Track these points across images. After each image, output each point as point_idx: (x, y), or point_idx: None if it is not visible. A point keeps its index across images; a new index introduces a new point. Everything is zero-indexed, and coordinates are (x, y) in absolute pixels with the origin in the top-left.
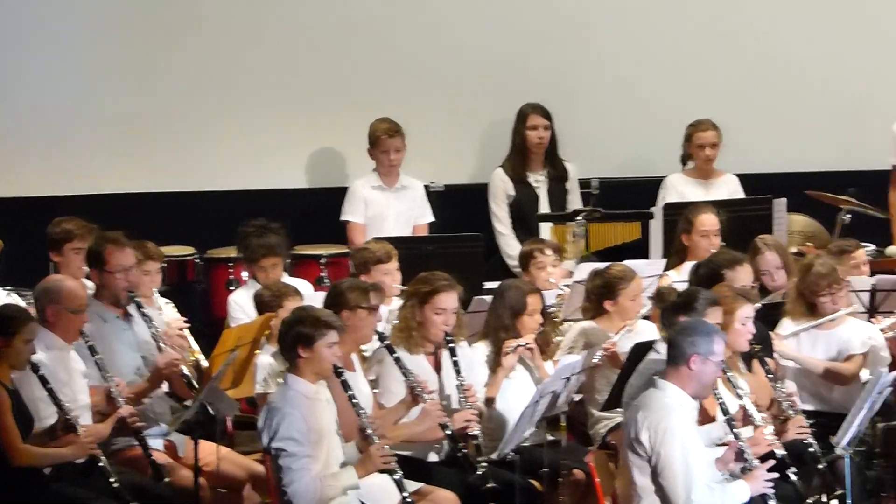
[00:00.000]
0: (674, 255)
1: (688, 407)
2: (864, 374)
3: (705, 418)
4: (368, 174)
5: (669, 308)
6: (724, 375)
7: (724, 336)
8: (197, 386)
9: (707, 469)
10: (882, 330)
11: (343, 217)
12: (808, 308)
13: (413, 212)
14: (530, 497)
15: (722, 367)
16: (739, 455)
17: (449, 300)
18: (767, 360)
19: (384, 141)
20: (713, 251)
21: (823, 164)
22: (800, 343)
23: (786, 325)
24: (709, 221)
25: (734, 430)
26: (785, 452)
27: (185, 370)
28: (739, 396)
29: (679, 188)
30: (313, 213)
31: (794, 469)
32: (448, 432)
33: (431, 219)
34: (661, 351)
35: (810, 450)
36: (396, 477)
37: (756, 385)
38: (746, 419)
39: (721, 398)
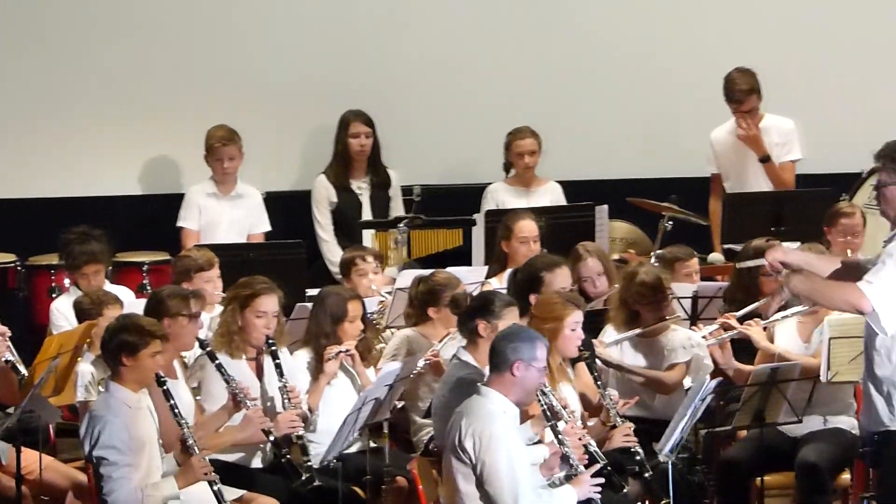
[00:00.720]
0: (495, 262)
1: (511, 414)
2: (687, 382)
3: (524, 417)
4: (205, 181)
5: (466, 313)
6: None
7: (546, 342)
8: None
9: (532, 474)
10: (704, 337)
11: (178, 223)
12: (631, 316)
13: (248, 220)
14: None
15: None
16: (565, 459)
17: (269, 303)
18: (594, 366)
19: (218, 149)
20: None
21: (645, 171)
22: (623, 351)
23: (609, 333)
24: (527, 228)
25: (559, 436)
26: (597, 451)
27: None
28: (544, 394)
29: (500, 197)
30: (147, 220)
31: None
32: (271, 438)
33: (267, 228)
34: (464, 358)
35: (637, 458)
36: (216, 487)
37: (583, 390)
38: (556, 416)
39: (544, 404)
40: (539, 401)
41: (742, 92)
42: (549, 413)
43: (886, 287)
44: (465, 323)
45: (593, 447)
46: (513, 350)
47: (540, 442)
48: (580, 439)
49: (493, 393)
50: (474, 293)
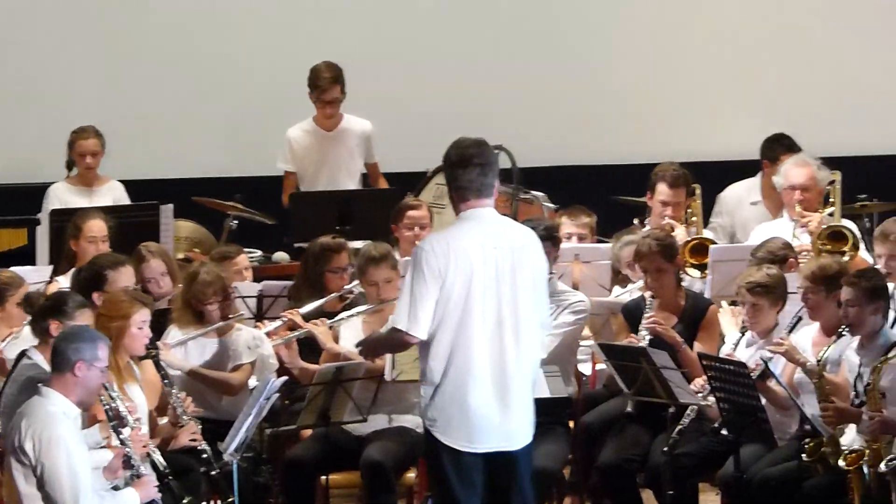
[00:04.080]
0: (63, 261)
1: (72, 415)
2: (253, 381)
3: (92, 421)
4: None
5: (39, 312)
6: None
7: (108, 342)
8: None
9: (95, 476)
10: (269, 336)
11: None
12: (195, 316)
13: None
14: None
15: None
16: (127, 462)
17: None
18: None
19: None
20: None
21: (212, 170)
22: (188, 352)
23: (173, 334)
24: (96, 227)
25: (121, 438)
26: (160, 460)
27: None
28: (111, 398)
29: (62, 196)
30: None
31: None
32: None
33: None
34: (35, 358)
35: (203, 456)
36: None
37: (150, 389)
38: (121, 420)
39: (107, 404)
40: (104, 404)
41: (327, 80)
42: (112, 416)
43: (404, 305)
44: (37, 322)
45: (156, 456)
46: (74, 350)
47: (106, 447)
48: (144, 446)
49: (54, 394)
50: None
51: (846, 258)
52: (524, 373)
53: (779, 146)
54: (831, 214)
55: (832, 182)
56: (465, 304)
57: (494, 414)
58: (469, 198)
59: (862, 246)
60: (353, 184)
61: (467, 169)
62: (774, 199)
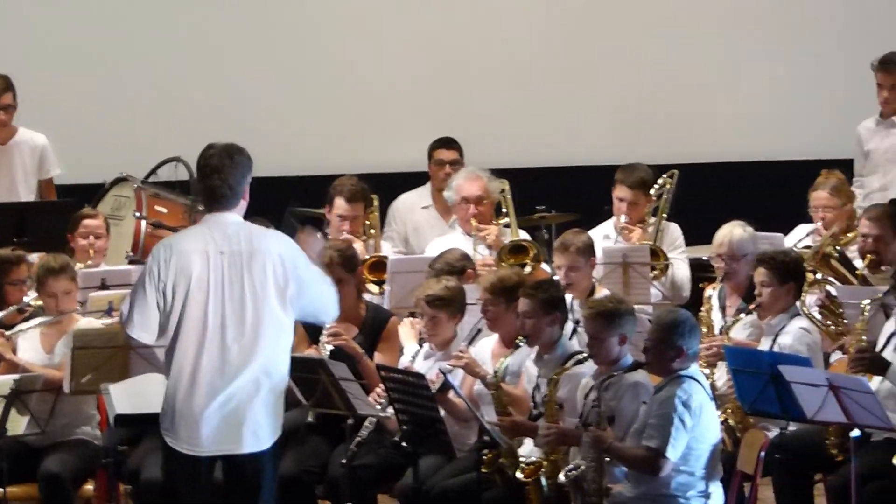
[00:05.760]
0: None
1: None
2: None
3: None
4: None
5: None
6: None
7: None
8: None
9: None
10: None
11: None
12: None
13: None
14: None
15: None
16: None
17: None
18: None
19: None
20: None
21: None
22: None
23: None
24: None
25: None
26: None
27: None
28: None
29: None
30: None
31: None
32: None
33: None
34: None
35: None
36: None
37: None
38: None
39: None
40: None
41: None
42: None
43: (125, 305)
44: None
45: None
46: None
47: None
48: None
49: None
50: None
51: (528, 269)
52: (254, 379)
53: (437, 145)
54: (507, 225)
55: (503, 191)
56: (187, 308)
57: (216, 418)
58: (211, 204)
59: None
60: (32, 196)
61: (213, 175)
62: (444, 203)
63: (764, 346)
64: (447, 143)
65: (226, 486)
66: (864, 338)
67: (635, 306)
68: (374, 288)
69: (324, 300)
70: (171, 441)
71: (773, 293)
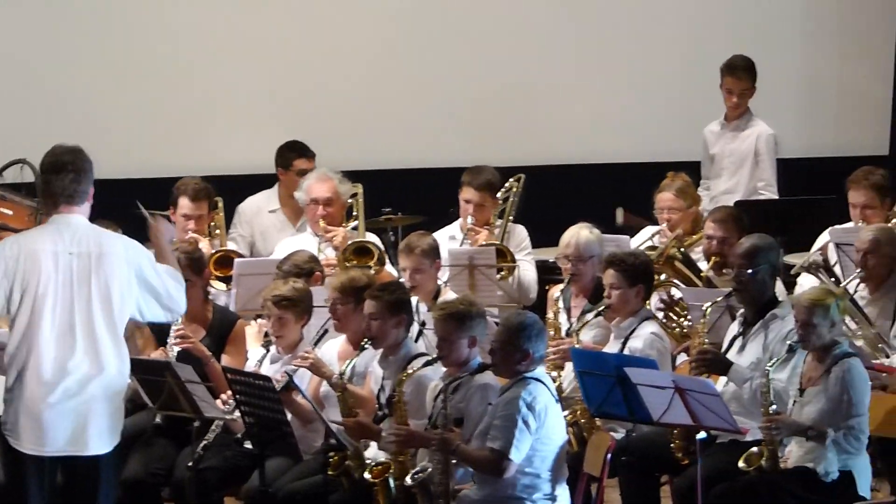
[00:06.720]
0: None
1: None
2: None
3: None
4: None
5: None
6: None
7: None
8: None
9: None
10: None
11: None
12: None
13: None
14: None
15: None
16: None
17: None
18: None
19: None
20: None
21: None
22: None
23: None
24: None
25: None
26: None
27: None
28: None
29: None
30: None
31: None
32: None
33: None
34: None
35: None
36: None
37: None
38: None
39: None
40: None
41: None
42: None
43: None
44: None
45: None
46: None
47: None
48: None
49: None
50: None
51: (372, 272)
52: (99, 379)
53: (291, 152)
54: (356, 228)
55: (355, 195)
56: (33, 307)
57: (61, 419)
58: (59, 204)
59: (386, 259)
60: None
61: (60, 175)
62: (292, 207)
63: (613, 348)
64: (304, 151)
65: (69, 487)
66: (705, 339)
67: None
68: (219, 285)
69: (172, 296)
70: (14, 441)
71: (622, 295)
